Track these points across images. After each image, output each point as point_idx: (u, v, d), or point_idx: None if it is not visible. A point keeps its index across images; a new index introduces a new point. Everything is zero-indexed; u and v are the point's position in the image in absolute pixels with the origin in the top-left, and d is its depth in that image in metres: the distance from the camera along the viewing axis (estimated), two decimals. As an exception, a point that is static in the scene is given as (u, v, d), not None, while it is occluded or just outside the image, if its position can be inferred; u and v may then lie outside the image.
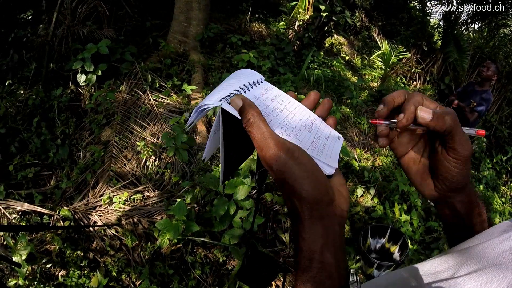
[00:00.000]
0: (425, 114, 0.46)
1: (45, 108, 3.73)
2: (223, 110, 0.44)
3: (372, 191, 3.36)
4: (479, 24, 7.66)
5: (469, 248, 0.45)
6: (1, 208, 2.68)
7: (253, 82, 0.51)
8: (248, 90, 0.49)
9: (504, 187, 5.46)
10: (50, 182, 3.30)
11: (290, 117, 0.49)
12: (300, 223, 0.42)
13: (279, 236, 2.75)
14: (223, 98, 0.44)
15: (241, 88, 0.48)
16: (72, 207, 2.92)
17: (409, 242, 2.72)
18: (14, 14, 4.75)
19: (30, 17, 4.88)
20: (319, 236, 0.42)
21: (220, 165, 0.49)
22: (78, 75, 3.84)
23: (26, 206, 2.75)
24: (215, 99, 0.44)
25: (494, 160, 5.77)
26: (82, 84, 3.89)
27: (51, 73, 4.08)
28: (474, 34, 7.93)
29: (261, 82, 0.53)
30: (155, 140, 3.30)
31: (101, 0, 4.40)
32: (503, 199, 5.05)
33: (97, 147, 3.38)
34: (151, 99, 3.61)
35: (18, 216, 2.70)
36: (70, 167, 3.34)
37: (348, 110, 4.52)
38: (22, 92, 3.90)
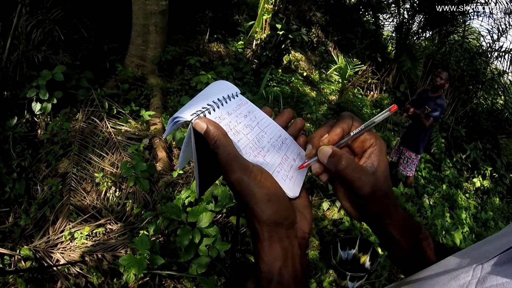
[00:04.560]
0: (322, 155, 0.47)
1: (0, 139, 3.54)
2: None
3: (338, 204, 3.43)
4: (430, 33, 8.04)
5: (421, 281, 0.45)
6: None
7: (228, 96, 0.50)
8: (222, 104, 0.48)
9: (466, 183, 5.75)
10: (8, 220, 3.14)
11: (260, 135, 0.49)
12: (260, 244, 0.43)
13: (248, 259, 2.78)
14: (195, 113, 0.44)
15: (214, 103, 0.47)
16: (33, 246, 2.80)
17: (379, 250, 2.81)
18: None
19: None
20: (278, 258, 0.43)
21: (195, 180, 0.50)
22: (33, 104, 3.69)
23: (-15, 247, 2.62)
24: (188, 112, 0.44)
25: (454, 159, 6.09)
26: (37, 113, 3.75)
27: (5, 101, 3.90)
28: (426, 43, 8.29)
29: (236, 96, 0.53)
30: (114, 170, 3.24)
31: (56, 25, 4.30)
32: (466, 195, 5.32)
33: (55, 180, 3.27)
34: (109, 127, 3.54)
35: (-23, 257, 2.56)
36: (28, 202, 3.19)
37: (308, 125, 4.66)
38: (-26, 122, 3.67)
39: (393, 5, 8.05)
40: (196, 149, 0.45)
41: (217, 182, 2.88)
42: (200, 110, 0.45)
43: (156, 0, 4.23)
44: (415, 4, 7.60)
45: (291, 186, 0.46)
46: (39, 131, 3.82)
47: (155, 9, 4.27)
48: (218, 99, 0.48)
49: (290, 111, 0.57)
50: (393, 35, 8.46)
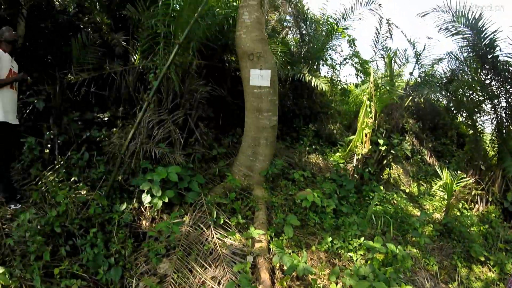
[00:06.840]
0: None
1: (105, 218, 3.71)
2: None
3: None
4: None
5: None
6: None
7: None
8: None
9: None
10: (96, 302, 3.12)
11: None
12: None
13: None
14: None
15: None
16: None
17: None
18: (92, 112, 5.03)
19: (106, 119, 5.12)
20: None
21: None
22: (144, 195, 3.91)
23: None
24: None
25: None
26: (146, 205, 3.95)
27: (117, 183, 4.20)
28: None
29: None
30: (216, 285, 3.17)
31: (176, 126, 4.77)
32: None
33: (153, 280, 3.25)
34: (215, 237, 3.59)
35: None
36: (119, 293, 3.17)
37: (415, 250, 4.24)
38: (85, 193, 3.90)
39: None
40: None
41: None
42: None
43: (269, 116, 4.54)
44: (510, 100, 7.02)
45: None
46: (143, 222, 3.98)
47: (267, 124, 4.56)
48: None
49: None
50: (493, 137, 7.80)
